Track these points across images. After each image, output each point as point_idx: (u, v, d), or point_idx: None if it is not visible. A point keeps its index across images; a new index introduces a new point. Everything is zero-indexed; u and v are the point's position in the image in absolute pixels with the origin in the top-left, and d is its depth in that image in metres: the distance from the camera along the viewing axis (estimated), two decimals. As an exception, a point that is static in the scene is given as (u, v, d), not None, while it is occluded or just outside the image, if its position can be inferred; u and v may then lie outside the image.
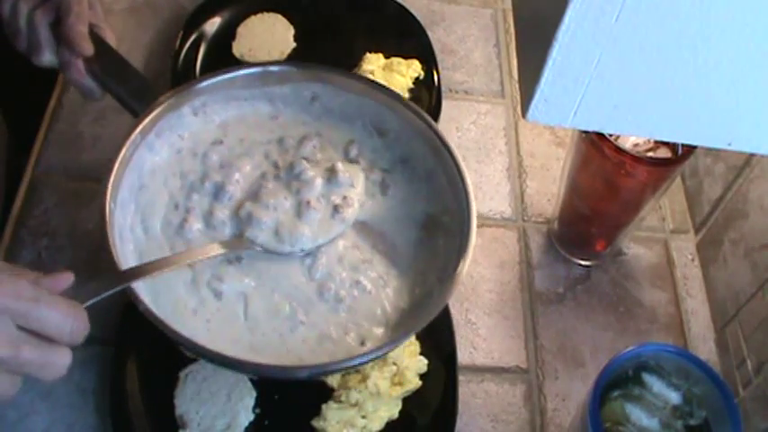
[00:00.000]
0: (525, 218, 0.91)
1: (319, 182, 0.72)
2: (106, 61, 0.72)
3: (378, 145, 0.77)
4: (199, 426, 0.70)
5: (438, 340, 0.77)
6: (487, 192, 0.92)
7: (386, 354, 0.67)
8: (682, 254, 0.90)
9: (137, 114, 0.70)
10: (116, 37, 0.75)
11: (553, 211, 0.88)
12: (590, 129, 0.61)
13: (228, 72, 0.75)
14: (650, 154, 0.74)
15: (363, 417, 0.71)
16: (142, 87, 0.72)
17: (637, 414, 0.64)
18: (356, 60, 0.95)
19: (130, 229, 0.69)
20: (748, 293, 0.79)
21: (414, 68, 0.95)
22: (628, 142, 0.74)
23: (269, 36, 0.97)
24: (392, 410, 0.73)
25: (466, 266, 0.66)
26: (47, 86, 0.93)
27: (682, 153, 0.74)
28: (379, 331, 0.68)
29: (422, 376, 0.74)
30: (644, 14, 0.40)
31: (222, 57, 0.94)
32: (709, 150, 0.90)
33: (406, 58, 0.96)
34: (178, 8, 1.02)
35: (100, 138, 0.89)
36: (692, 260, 0.90)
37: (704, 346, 0.84)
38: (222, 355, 0.61)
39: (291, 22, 0.98)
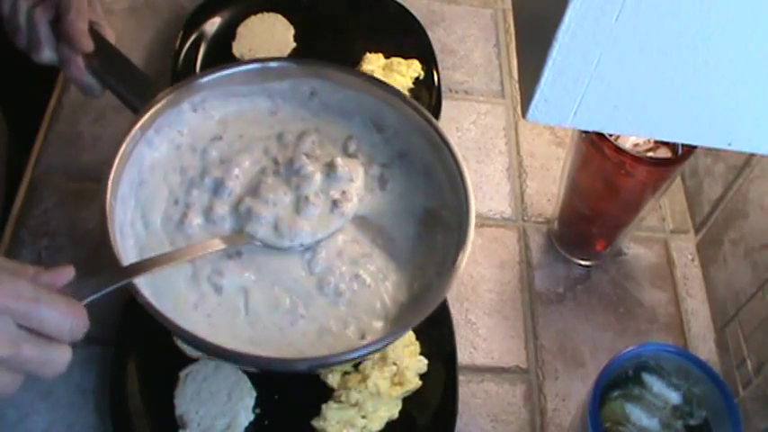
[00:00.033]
0: (525, 218, 0.91)
1: (318, 177, 0.73)
2: (106, 58, 0.72)
3: (376, 140, 0.78)
4: (199, 426, 0.70)
5: (438, 340, 0.77)
6: (487, 192, 0.92)
7: (385, 347, 0.67)
8: (682, 254, 0.90)
9: (137, 111, 0.70)
10: (116, 37, 0.75)
11: (553, 211, 0.88)
12: (590, 129, 0.61)
13: (228, 68, 0.76)
14: (650, 154, 0.74)
15: (363, 417, 0.71)
16: (142, 84, 0.72)
17: (637, 414, 0.64)
18: (356, 60, 0.95)
19: (131, 225, 0.69)
20: (748, 293, 0.79)
21: (414, 68, 0.95)
22: (628, 142, 0.74)
23: (269, 36, 0.97)
24: (392, 410, 0.73)
25: (465, 260, 0.67)
26: (47, 86, 0.93)
27: (682, 153, 0.74)
28: (379, 325, 0.68)
29: (422, 376, 0.74)
30: (644, 14, 0.40)
31: (222, 57, 0.94)
32: (709, 150, 0.90)
33: (406, 58, 0.96)
34: (178, 8, 1.02)
35: (100, 138, 0.89)
36: (692, 260, 0.90)
37: (704, 346, 0.84)
38: (222, 348, 0.61)
39: (291, 22, 0.98)
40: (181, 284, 0.67)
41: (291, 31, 0.98)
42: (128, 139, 0.68)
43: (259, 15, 0.98)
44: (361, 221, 0.73)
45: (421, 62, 0.96)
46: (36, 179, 0.86)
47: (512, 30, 1.07)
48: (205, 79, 0.74)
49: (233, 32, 0.97)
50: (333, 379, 0.73)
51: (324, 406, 0.71)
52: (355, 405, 0.71)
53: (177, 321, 0.61)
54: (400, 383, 0.73)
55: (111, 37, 0.73)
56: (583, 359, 0.82)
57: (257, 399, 0.72)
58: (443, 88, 0.96)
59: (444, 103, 0.95)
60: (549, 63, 0.42)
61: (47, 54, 0.72)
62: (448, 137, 0.73)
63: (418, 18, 1.01)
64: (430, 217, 0.74)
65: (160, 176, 0.72)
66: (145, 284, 0.64)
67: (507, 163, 0.95)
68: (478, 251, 0.87)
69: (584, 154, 0.77)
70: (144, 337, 0.74)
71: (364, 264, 0.71)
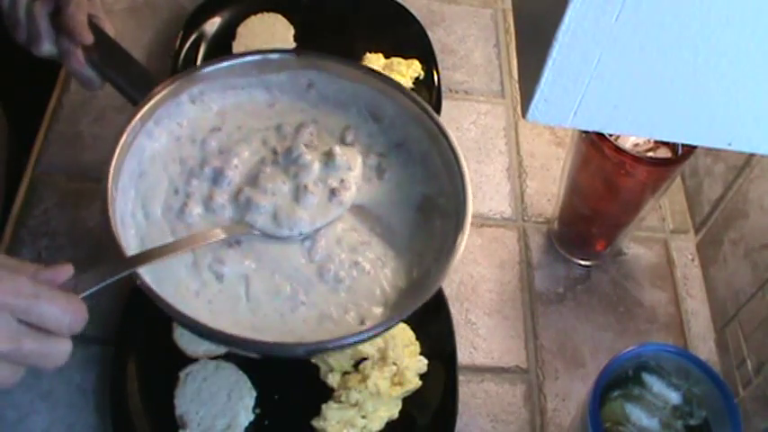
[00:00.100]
0: (525, 218, 0.91)
1: (317, 166, 0.73)
2: (105, 51, 0.73)
3: (373, 130, 0.78)
4: (199, 426, 0.70)
5: (438, 340, 0.77)
6: (487, 192, 0.92)
7: (383, 332, 0.67)
8: (682, 254, 0.90)
9: (136, 103, 0.71)
10: (116, 38, 0.75)
11: (553, 211, 0.88)
12: (590, 129, 0.61)
13: (226, 60, 0.76)
14: (650, 154, 0.74)
15: (363, 417, 0.71)
16: (141, 76, 0.73)
17: (637, 414, 0.64)
18: (356, 60, 0.95)
19: (131, 215, 0.70)
20: (748, 293, 0.79)
21: (414, 68, 0.95)
22: (628, 142, 0.74)
23: (269, 36, 0.97)
24: (392, 410, 0.73)
25: (464, 243, 0.67)
26: (48, 86, 0.93)
27: (682, 153, 0.74)
28: (379, 311, 0.69)
29: (422, 376, 0.74)
30: (644, 14, 0.40)
31: (222, 57, 0.94)
32: (709, 150, 0.90)
33: (406, 58, 0.96)
34: (178, 8, 1.02)
35: (100, 138, 0.89)
36: (692, 260, 0.90)
37: (704, 346, 0.84)
38: (223, 332, 0.62)
39: (291, 22, 0.99)
40: (182, 272, 0.68)
41: (291, 31, 0.98)
42: (128, 129, 0.69)
43: (259, 15, 0.99)
44: (359, 210, 0.74)
45: (421, 62, 0.96)
46: (36, 179, 0.86)
47: (512, 30, 1.07)
48: (203, 71, 0.75)
49: (233, 32, 0.97)
50: (333, 379, 0.73)
51: (324, 406, 0.71)
52: (355, 405, 0.71)
53: (179, 307, 0.61)
54: (400, 383, 0.73)
55: (110, 30, 0.74)
56: (583, 359, 0.82)
57: (257, 399, 0.72)
58: (443, 88, 0.96)
59: (444, 103, 0.95)
60: (549, 63, 0.42)
61: (47, 47, 0.72)
62: (444, 125, 0.73)
63: (418, 18, 1.01)
64: (427, 204, 0.74)
65: (160, 167, 0.73)
66: (146, 273, 0.64)
67: (507, 163, 0.95)
68: (478, 251, 0.87)
69: (584, 154, 0.77)
70: (144, 337, 0.75)
71: (363, 251, 0.72)
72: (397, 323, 0.67)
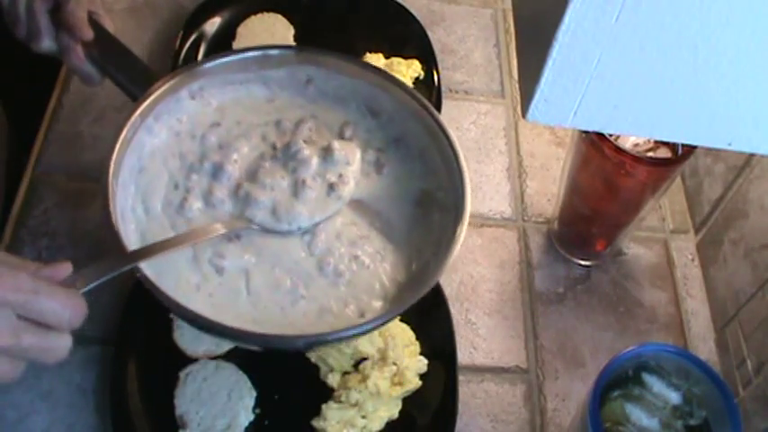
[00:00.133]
0: (525, 218, 0.91)
1: (315, 161, 0.73)
2: (105, 47, 0.73)
3: (372, 125, 0.78)
4: (199, 426, 0.70)
5: (438, 340, 0.77)
6: (487, 192, 0.92)
7: (382, 325, 0.67)
8: (682, 254, 0.90)
9: (136, 99, 0.71)
10: (116, 37, 0.75)
11: (553, 211, 0.88)
12: (590, 129, 0.61)
13: (225, 56, 0.76)
14: (650, 154, 0.74)
15: (363, 417, 0.71)
16: (141, 72, 0.73)
17: (637, 414, 0.64)
18: (356, 60, 0.95)
19: (132, 210, 0.70)
20: (748, 293, 0.79)
21: (414, 68, 0.95)
22: (628, 142, 0.74)
23: (269, 36, 0.97)
24: (392, 410, 0.73)
25: (462, 235, 0.67)
26: (48, 84, 0.93)
27: (682, 153, 0.74)
28: (378, 304, 0.69)
29: (422, 376, 0.74)
30: (644, 14, 0.40)
31: (222, 57, 0.94)
32: (709, 150, 0.90)
33: (406, 58, 0.96)
34: (178, 8, 1.02)
35: (100, 138, 0.89)
36: (692, 260, 0.90)
37: (704, 346, 0.84)
38: (224, 325, 0.62)
39: (291, 22, 0.99)
40: (182, 266, 0.68)
41: (291, 31, 0.98)
42: (128, 125, 0.69)
43: (259, 15, 0.99)
44: (358, 205, 0.74)
45: (421, 62, 0.96)
46: (36, 179, 0.86)
47: (512, 30, 1.07)
48: (203, 67, 0.75)
49: (233, 32, 0.97)
50: (333, 379, 0.73)
51: (324, 406, 0.71)
52: (355, 405, 0.71)
53: (180, 301, 0.61)
54: (400, 383, 0.73)
55: (109, 27, 0.74)
56: (583, 359, 0.82)
57: (257, 399, 0.72)
58: (443, 88, 0.96)
59: (444, 103, 0.95)
60: (549, 63, 0.42)
61: (46, 43, 0.72)
62: (442, 120, 0.74)
63: (418, 18, 1.01)
64: (426, 199, 0.75)
65: (160, 162, 0.73)
66: (147, 267, 0.64)
67: (507, 163, 0.95)
68: (478, 251, 0.87)
69: (584, 154, 0.77)
70: (144, 337, 0.75)
71: (363, 245, 0.72)
72: (397, 316, 0.67)
